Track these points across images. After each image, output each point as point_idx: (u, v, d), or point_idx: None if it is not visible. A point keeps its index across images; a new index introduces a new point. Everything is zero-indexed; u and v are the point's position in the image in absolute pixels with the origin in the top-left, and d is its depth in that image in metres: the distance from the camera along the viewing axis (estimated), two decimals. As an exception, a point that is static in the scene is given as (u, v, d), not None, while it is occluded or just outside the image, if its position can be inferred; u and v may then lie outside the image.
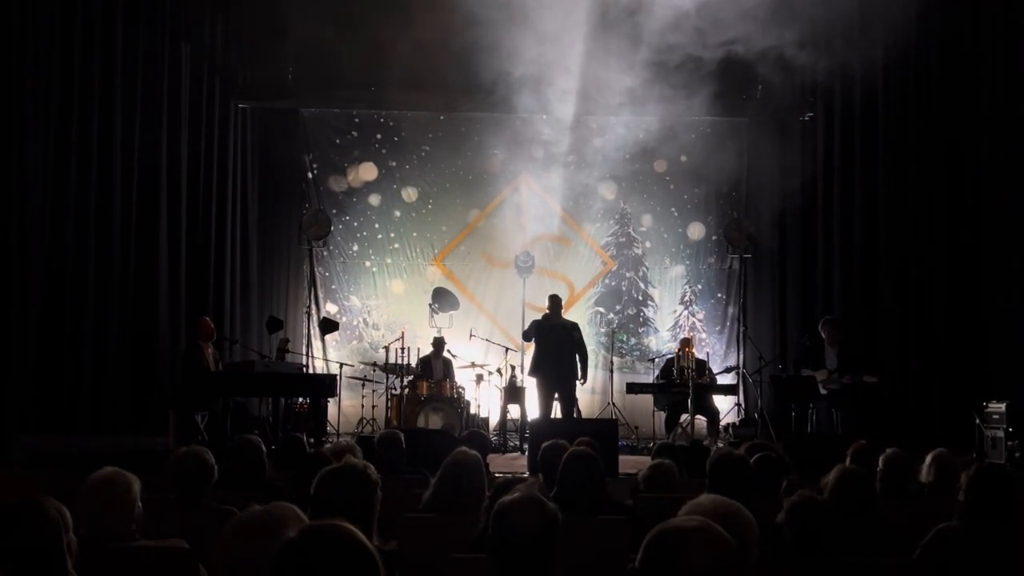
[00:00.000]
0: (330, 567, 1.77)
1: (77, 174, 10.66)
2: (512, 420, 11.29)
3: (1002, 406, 9.51)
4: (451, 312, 12.84)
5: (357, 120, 13.35)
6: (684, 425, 10.75)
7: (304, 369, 11.36)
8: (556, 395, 10.12)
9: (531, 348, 10.51)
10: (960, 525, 3.81)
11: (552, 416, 10.02)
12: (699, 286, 13.34)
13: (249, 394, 10.54)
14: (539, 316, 10.53)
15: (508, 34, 10.84)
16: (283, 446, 6.44)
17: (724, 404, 11.50)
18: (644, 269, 13.40)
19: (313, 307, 12.62)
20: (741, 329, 12.44)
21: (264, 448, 5.18)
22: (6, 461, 8.02)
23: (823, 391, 10.03)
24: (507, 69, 11.21)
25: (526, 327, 10.67)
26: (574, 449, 4.68)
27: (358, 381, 11.61)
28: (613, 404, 11.57)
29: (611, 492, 4.63)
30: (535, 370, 10.25)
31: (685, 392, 10.45)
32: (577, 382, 10.28)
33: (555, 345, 10.15)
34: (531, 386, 10.61)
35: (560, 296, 10.66)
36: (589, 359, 10.65)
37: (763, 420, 10.90)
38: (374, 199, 13.29)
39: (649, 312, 13.37)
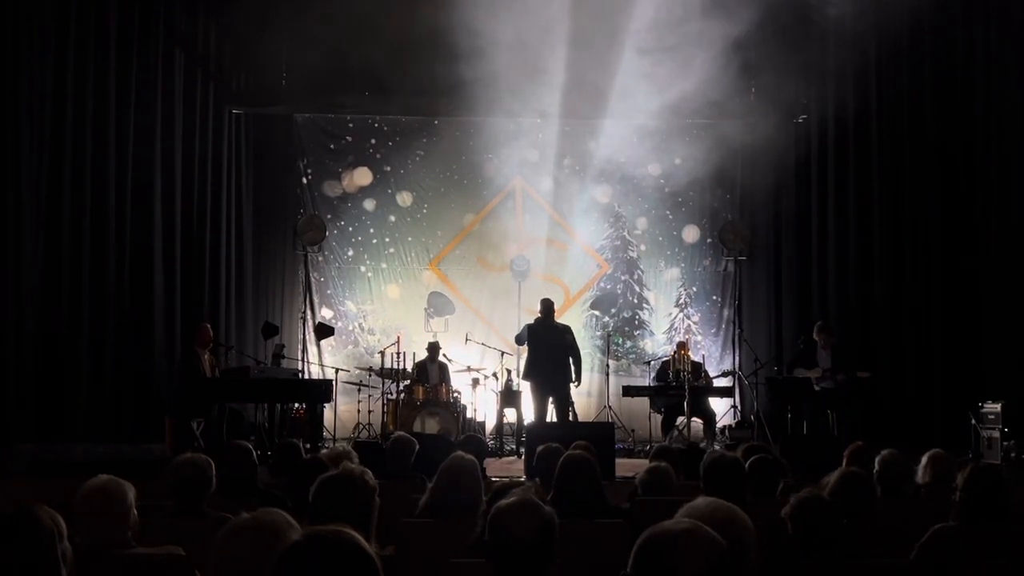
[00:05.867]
0: (332, 573, 1.77)
1: (71, 181, 10.63)
2: (508, 424, 11.28)
3: (997, 407, 9.54)
4: (447, 316, 12.85)
5: (351, 125, 13.36)
6: (680, 428, 10.76)
7: (300, 375, 11.36)
8: (550, 398, 10.12)
9: (526, 352, 10.51)
10: (956, 525, 3.82)
11: (548, 419, 10.01)
12: (694, 289, 13.34)
13: (245, 400, 10.53)
14: (534, 320, 10.54)
15: (501, 38, 10.85)
16: (279, 452, 6.43)
17: (720, 406, 11.51)
18: (639, 272, 13.40)
19: (308, 312, 12.62)
20: (736, 331, 12.46)
21: (253, 452, 5.17)
22: (2, 469, 7.99)
23: (816, 388, 10.07)
24: (500, 73, 11.22)
25: (518, 331, 10.71)
26: (570, 453, 4.68)
27: (354, 386, 11.61)
28: (609, 407, 11.57)
29: (608, 495, 4.62)
30: (528, 374, 10.26)
31: (681, 395, 10.47)
32: (571, 384, 10.28)
33: (548, 349, 10.16)
34: (527, 390, 10.60)
35: (552, 300, 10.63)
36: (585, 362, 10.66)
37: (759, 422, 10.91)
38: (369, 204, 13.29)
39: (644, 315, 13.37)
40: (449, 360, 11.60)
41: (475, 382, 11.32)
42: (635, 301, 13.38)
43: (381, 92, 12.69)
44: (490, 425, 11.46)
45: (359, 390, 11.52)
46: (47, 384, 10.31)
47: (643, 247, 13.42)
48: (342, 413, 11.77)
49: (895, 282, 11.74)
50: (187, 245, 11.81)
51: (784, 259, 12.78)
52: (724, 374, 11.94)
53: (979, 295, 11.20)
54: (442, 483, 4.24)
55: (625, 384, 11.53)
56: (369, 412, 11.47)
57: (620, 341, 13.25)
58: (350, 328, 13.15)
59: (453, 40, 10.80)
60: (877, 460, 4.94)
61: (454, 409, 10.76)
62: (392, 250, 13.30)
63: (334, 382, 10.86)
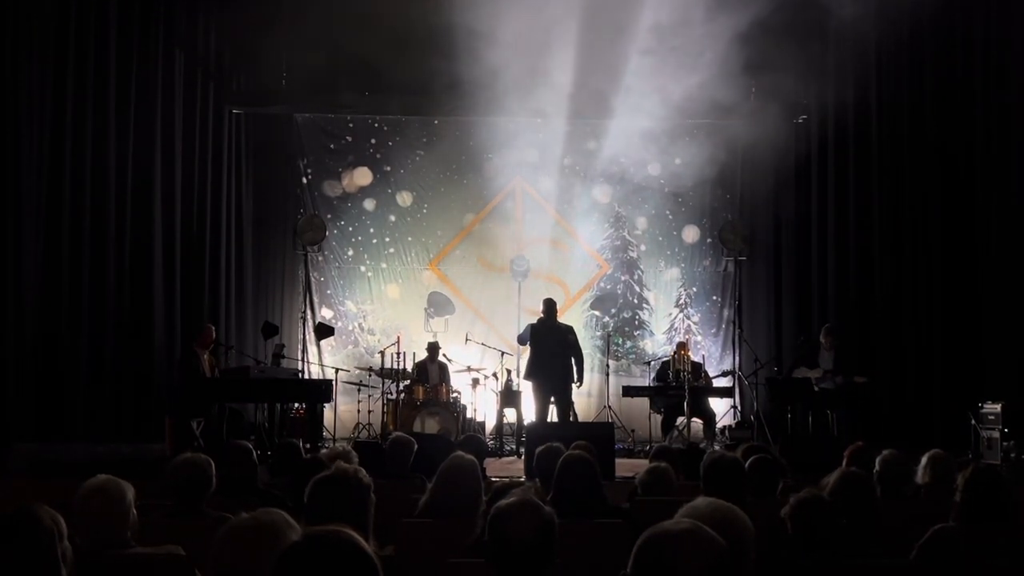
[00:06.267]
0: (332, 573, 1.78)
1: (72, 181, 10.64)
2: (508, 424, 11.29)
3: (997, 407, 9.53)
4: (446, 316, 12.84)
5: (351, 125, 13.36)
6: (680, 428, 10.76)
7: (300, 375, 11.35)
8: (552, 399, 10.11)
9: (527, 352, 10.51)
10: (956, 526, 3.82)
11: (548, 420, 10.01)
12: (694, 289, 13.34)
13: (245, 400, 10.53)
14: (534, 320, 10.54)
15: (502, 37, 10.85)
16: (279, 452, 6.43)
17: (720, 406, 11.50)
18: (639, 272, 13.40)
19: (308, 312, 12.62)
20: (736, 331, 12.46)
21: (253, 452, 5.17)
22: (2, 469, 7.99)
23: (816, 388, 10.07)
24: (500, 72, 11.22)
25: (521, 331, 10.71)
26: (570, 453, 4.67)
27: (354, 386, 11.61)
28: (609, 407, 11.57)
29: (608, 495, 4.61)
30: (531, 374, 10.25)
31: (681, 395, 10.47)
32: (573, 385, 10.28)
33: (550, 349, 10.15)
34: (527, 390, 10.61)
35: (554, 299, 10.64)
36: (585, 362, 10.65)
37: (759, 422, 10.90)
38: (369, 204, 13.29)
39: (644, 315, 13.37)
40: (449, 360, 11.60)
41: (475, 382, 11.32)
42: (635, 301, 13.38)
43: (381, 92, 12.69)
44: (490, 425, 11.46)
45: (359, 390, 11.53)
46: (47, 384, 10.32)
47: (643, 247, 13.41)
48: (342, 413, 11.77)
49: (895, 282, 11.73)
50: (187, 245, 11.81)
51: (784, 259, 12.77)
52: (724, 374, 11.94)
53: (979, 295, 11.20)
54: (442, 483, 4.24)
55: (625, 384, 11.54)
56: (369, 412, 11.47)
57: (620, 341, 13.25)
58: (350, 328, 13.15)
59: (453, 40, 10.80)
60: (877, 460, 4.94)
61: (454, 409, 10.76)
62: (392, 250, 13.30)
63: (334, 382, 10.86)
